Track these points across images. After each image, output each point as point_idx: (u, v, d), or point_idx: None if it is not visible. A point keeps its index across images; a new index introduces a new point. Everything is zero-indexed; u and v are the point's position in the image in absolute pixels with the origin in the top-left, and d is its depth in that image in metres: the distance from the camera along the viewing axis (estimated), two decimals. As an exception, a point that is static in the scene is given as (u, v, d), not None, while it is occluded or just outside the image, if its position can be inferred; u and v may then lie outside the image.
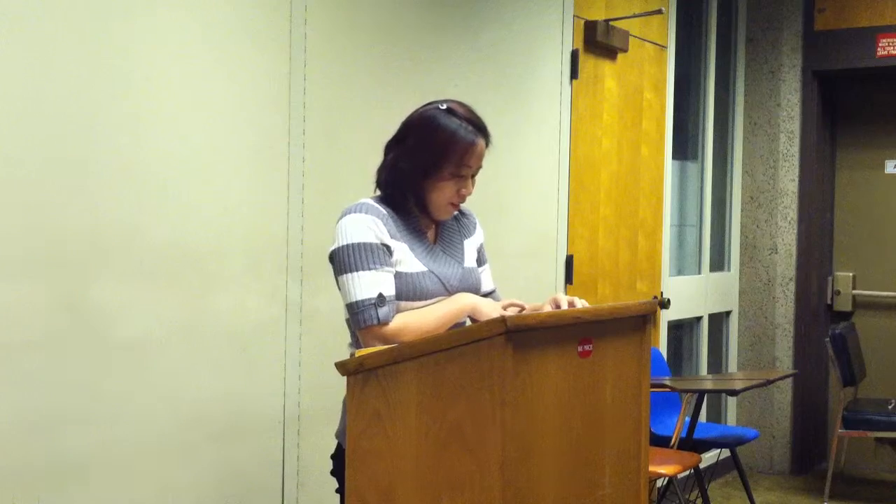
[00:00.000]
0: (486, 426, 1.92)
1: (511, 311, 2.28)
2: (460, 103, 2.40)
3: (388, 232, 2.29)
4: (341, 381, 2.18)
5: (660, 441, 4.35)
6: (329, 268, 2.33)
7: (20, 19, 2.41)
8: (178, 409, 2.77)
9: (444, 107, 2.36)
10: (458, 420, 1.96)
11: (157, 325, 2.71)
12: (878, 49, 5.67)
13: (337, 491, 2.41)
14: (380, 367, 2.06)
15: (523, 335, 1.94)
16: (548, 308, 2.28)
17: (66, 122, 2.51)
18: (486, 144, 2.38)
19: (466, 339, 1.95)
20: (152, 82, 2.69)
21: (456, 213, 2.52)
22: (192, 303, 2.80)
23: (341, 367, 2.14)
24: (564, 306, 2.24)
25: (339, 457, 2.39)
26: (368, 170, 2.43)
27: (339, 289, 2.30)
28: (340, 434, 2.39)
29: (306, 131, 3.12)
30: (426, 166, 2.32)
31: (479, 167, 2.39)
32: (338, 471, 2.40)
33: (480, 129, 2.36)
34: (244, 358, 2.95)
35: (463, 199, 2.38)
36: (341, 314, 2.35)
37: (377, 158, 2.50)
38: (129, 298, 2.64)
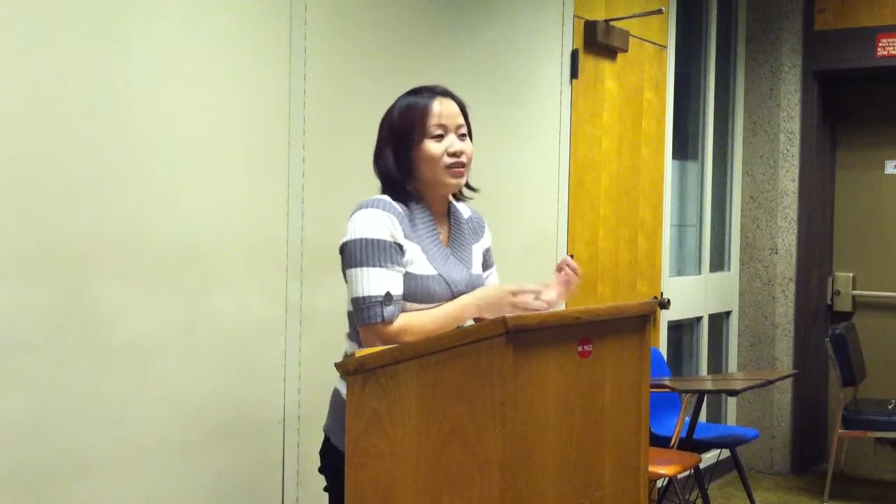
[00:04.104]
0: (486, 426, 1.92)
1: (524, 299, 2.29)
2: (430, 84, 2.43)
3: (403, 231, 2.29)
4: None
5: (660, 441, 4.35)
6: (329, 267, 2.33)
7: (21, 20, 2.41)
8: (178, 409, 2.76)
9: (407, 91, 2.41)
10: (458, 420, 1.96)
11: (157, 325, 2.71)
12: (878, 49, 5.67)
13: (325, 489, 2.39)
14: (380, 367, 2.06)
15: (523, 335, 1.94)
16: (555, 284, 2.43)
17: (67, 122, 2.51)
18: (459, 105, 2.39)
19: (466, 339, 1.95)
20: (152, 82, 2.69)
21: (468, 215, 2.53)
22: (192, 303, 2.80)
23: (341, 367, 2.14)
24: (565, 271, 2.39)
25: (326, 453, 2.38)
26: (368, 170, 2.43)
27: (346, 281, 2.29)
28: (329, 429, 2.38)
29: (306, 131, 3.12)
30: (398, 144, 2.35)
31: (461, 125, 2.37)
32: (326, 468, 2.38)
33: (437, 91, 2.38)
34: (244, 358, 2.95)
35: (457, 157, 2.34)
36: (341, 314, 2.35)
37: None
38: (129, 298, 2.64)
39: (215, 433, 2.87)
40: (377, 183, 2.41)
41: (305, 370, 3.12)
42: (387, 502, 2.06)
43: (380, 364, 2.06)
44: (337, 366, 2.15)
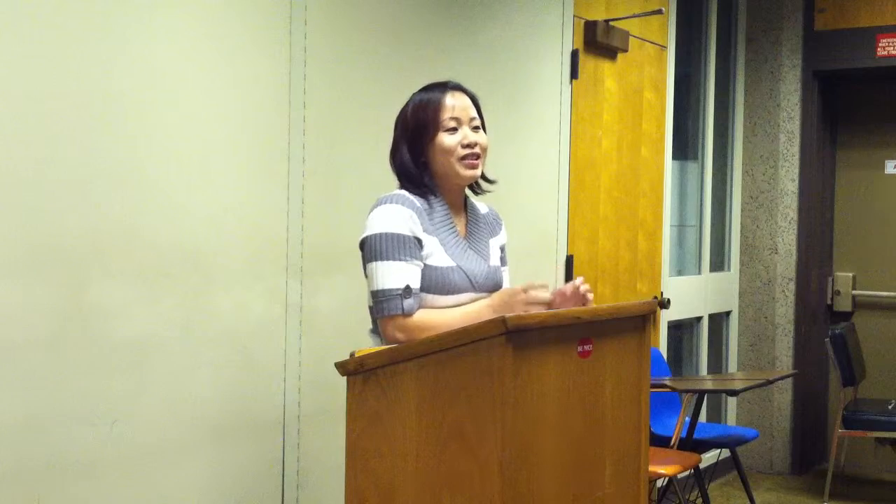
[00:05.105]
0: (486, 426, 1.92)
1: (534, 293, 2.28)
2: (441, 80, 2.47)
3: (422, 225, 2.32)
4: (341, 381, 2.19)
5: (660, 441, 4.35)
6: (329, 267, 2.34)
7: (21, 20, 2.41)
8: (178, 409, 2.76)
9: (420, 88, 2.45)
10: (458, 420, 1.96)
11: (157, 325, 2.71)
12: (878, 49, 5.67)
13: None
14: (380, 367, 2.06)
15: (523, 335, 1.94)
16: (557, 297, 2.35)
17: (66, 122, 2.50)
18: (471, 97, 2.44)
19: (466, 339, 1.95)
20: (152, 82, 2.69)
21: (485, 211, 2.57)
22: (192, 303, 2.80)
23: (341, 367, 2.14)
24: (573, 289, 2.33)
25: None
26: (368, 170, 2.44)
27: (367, 276, 2.32)
28: None
29: (306, 131, 3.12)
30: (413, 139, 2.39)
31: (474, 118, 2.42)
32: None
33: (449, 86, 2.43)
34: (244, 358, 2.95)
35: (471, 148, 2.39)
36: (341, 314, 2.35)
37: (377, 158, 2.51)
38: (129, 298, 2.64)
39: (215, 433, 2.86)
40: (377, 182, 2.43)
41: (305, 370, 3.11)
42: (387, 502, 2.06)
43: (380, 364, 2.06)
44: (337, 365, 2.15)
